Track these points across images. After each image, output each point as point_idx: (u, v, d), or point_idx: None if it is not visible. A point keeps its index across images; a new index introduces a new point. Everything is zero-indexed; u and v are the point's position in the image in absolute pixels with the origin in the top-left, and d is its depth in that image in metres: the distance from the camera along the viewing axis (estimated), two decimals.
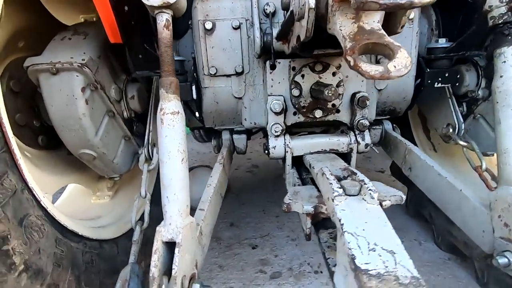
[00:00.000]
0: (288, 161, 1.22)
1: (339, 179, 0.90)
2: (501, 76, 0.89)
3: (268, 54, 1.20)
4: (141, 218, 1.22)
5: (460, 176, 1.88)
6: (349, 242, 0.68)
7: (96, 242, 1.29)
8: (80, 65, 1.18)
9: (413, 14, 1.26)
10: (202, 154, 4.54)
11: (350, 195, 0.83)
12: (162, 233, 0.80)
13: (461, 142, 1.42)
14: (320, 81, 1.18)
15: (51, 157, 1.60)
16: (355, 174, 0.90)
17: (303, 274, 1.89)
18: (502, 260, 0.85)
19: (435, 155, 2.05)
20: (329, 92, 0.99)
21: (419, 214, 2.20)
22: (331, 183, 0.84)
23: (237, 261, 2.05)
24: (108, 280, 1.29)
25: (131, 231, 1.62)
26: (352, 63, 0.65)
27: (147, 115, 1.56)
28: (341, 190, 0.81)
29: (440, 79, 1.35)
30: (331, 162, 1.09)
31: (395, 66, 0.62)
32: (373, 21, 0.71)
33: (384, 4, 0.52)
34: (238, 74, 1.31)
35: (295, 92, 1.20)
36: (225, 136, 1.48)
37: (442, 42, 1.35)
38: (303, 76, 1.19)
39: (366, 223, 0.74)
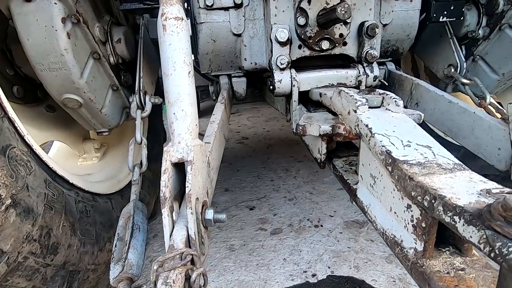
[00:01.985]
0: (295, 96, 1.15)
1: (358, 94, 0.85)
2: None
3: None
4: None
5: None
6: (381, 141, 0.63)
7: (89, 194, 1.19)
8: None
9: None
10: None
11: (373, 107, 0.77)
12: (171, 153, 0.72)
13: (464, 80, 1.41)
14: (327, 7, 1.09)
15: (29, 112, 1.45)
16: (374, 91, 0.85)
17: (303, 229, 1.88)
18: None
19: None
20: (343, 9, 0.91)
21: None
22: (352, 95, 0.78)
23: (236, 221, 2.00)
24: (105, 233, 1.20)
25: (124, 189, 1.53)
26: None
27: (134, 64, 1.43)
28: (364, 100, 0.75)
29: (445, 12, 1.31)
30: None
31: None
32: None
33: None
34: (237, 6, 1.20)
35: (301, 21, 1.11)
36: (224, 80, 1.39)
37: None
38: (309, 1, 1.10)
39: (395, 126, 0.69)
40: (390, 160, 0.58)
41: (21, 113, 1.38)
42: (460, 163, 0.55)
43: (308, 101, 1.20)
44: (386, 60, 1.48)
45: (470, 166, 0.53)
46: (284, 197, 2.29)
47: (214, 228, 1.94)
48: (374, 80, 1.18)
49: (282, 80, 1.13)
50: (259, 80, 1.50)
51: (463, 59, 1.46)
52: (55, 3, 1.05)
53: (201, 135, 0.83)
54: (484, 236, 0.38)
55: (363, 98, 0.76)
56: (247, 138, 3.88)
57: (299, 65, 1.18)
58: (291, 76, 1.13)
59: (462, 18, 1.44)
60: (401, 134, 0.65)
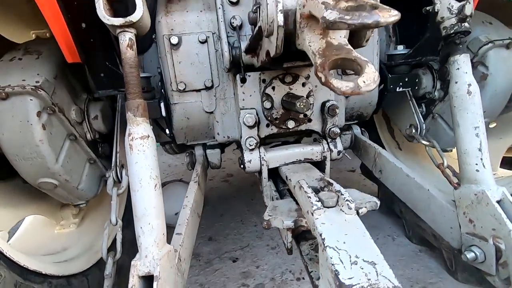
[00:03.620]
0: (265, 174, 1.22)
1: (316, 191, 0.91)
2: (456, 82, 0.96)
3: (237, 68, 1.19)
4: (112, 247, 1.14)
5: (424, 171, 2.00)
6: (331, 257, 0.68)
7: (63, 279, 1.18)
8: (34, 88, 1.08)
9: None
10: (174, 167, 4.41)
11: (328, 207, 0.83)
12: (138, 267, 0.75)
13: (424, 142, 1.51)
14: (290, 92, 1.19)
15: (4, 189, 1.45)
16: (331, 184, 0.91)
17: (285, 283, 1.89)
18: (470, 255, 0.91)
19: (400, 153, 2.16)
20: (301, 104, 1.00)
21: (391, 210, 2.31)
22: (309, 197, 0.84)
23: (219, 277, 2.00)
24: None
25: (102, 260, 1.52)
26: (323, 79, 0.65)
27: (112, 135, 1.47)
28: (319, 203, 0.81)
29: (401, 84, 1.43)
30: (307, 172, 1.10)
31: (364, 81, 0.64)
32: (340, 36, 0.73)
33: (352, 24, 0.53)
34: (208, 88, 1.28)
35: (267, 105, 1.20)
36: (198, 151, 1.44)
37: (401, 49, 1.44)
38: (273, 88, 1.19)
39: (346, 235, 0.75)
40: (338, 283, 0.63)
41: None
42: (399, 286, 0.61)
43: (278, 175, 1.27)
44: (352, 123, 1.58)
45: None
46: (267, 245, 2.31)
47: (197, 287, 1.92)
48: (338, 154, 1.27)
49: (252, 160, 1.20)
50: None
51: (422, 121, 1.57)
52: (31, 99, 1.10)
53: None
54: None
55: (319, 200, 0.82)
56: (232, 175, 3.91)
57: (267, 141, 1.26)
58: (260, 156, 1.20)
59: (418, 84, 1.57)
60: (350, 246, 0.71)
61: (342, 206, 0.82)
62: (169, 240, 0.93)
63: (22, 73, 1.12)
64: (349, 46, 0.69)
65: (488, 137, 0.99)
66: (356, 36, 0.77)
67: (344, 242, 0.72)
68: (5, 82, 1.08)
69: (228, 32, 1.22)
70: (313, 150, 1.25)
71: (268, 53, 0.86)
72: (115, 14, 0.84)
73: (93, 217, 1.79)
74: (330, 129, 1.24)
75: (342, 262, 0.67)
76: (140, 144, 0.78)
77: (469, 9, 0.91)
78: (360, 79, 0.63)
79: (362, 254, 0.69)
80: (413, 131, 1.59)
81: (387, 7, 0.55)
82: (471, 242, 0.92)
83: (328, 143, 1.25)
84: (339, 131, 1.25)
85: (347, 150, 1.65)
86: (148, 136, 0.80)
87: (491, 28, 1.45)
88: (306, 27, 0.72)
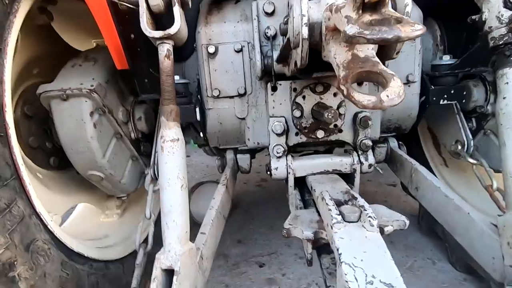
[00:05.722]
0: (291, 182, 1.22)
1: (339, 203, 0.89)
2: (504, 98, 0.87)
3: (269, 76, 1.21)
4: (146, 241, 1.23)
5: (472, 192, 1.81)
6: (346, 274, 0.67)
7: (102, 263, 1.31)
8: (89, 90, 1.23)
9: None
10: (212, 168, 4.57)
11: (349, 222, 0.81)
12: (161, 260, 0.81)
13: (471, 160, 1.38)
14: (321, 102, 1.18)
15: (61, 177, 1.65)
16: (356, 199, 0.89)
17: None
18: None
19: (446, 170, 1.99)
20: (329, 114, 0.99)
21: (432, 231, 2.13)
22: (330, 209, 0.83)
23: (244, 280, 2.02)
24: None
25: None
26: (345, 92, 0.65)
27: (153, 135, 1.60)
28: (339, 217, 0.80)
29: (445, 96, 1.33)
30: (333, 184, 1.07)
31: (387, 96, 0.62)
32: (367, 48, 0.72)
33: (372, 38, 0.52)
34: (240, 95, 1.33)
35: (297, 113, 1.20)
36: (229, 155, 1.49)
37: (446, 59, 1.34)
38: (304, 97, 1.19)
39: (364, 252, 0.72)
40: None
41: (55, 180, 1.58)
42: None
43: (305, 184, 1.26)
44: (389, 135, 1.51)
45: None
46: (295, 254, 2.27)
47: (222, 287, 1.97)
48: (369, 168, 1.22)
49: (278, 167, 1.21)
50: None
51: (470, 137, 1.44)
52: (86, 101, 1.25)
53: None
54: None
55: (339, 214, 0.80)
56: (266, 180, 3.93)
57: (298, 149, 1.26)
58: (287, 164, 1.21)
59: (466, 97, 1.45)
60: (368, 264, 0.68)
61: (364, 222, 0.79)
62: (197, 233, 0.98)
63: (80, 78, 1.28)
64: (376, 59, 0.68)
65: None
66: (386, 48, 0.75)
67: (361, 260, 0.70)
68: (66, 85, 1.25)
69: (262, 42, 1.25)
70: (342, 162, 1.22)
71: (295, 63, 0.87)
72: (158, 27, 0.93)
73: (133, 210, 1.94)
74: (361, 140, 1.20)
75: (356, 280, 0.65)
76: (170, 147, 0.85)
77: None
78: (384, 93, 0.62)
79: (379, 274, 0.66)
80: (459, 147, 1.46)
81: (412, 21, 0.53)
82: None
83: (359, 155, 1.22)
84: (371, 143, 1.20)
85: (382, 164, 1.57)
86: (178, 139, 0.86)
87: None
88: (332, 39, 0.72)
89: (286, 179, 1.23)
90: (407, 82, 1.33)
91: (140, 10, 0.88)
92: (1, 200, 0.83)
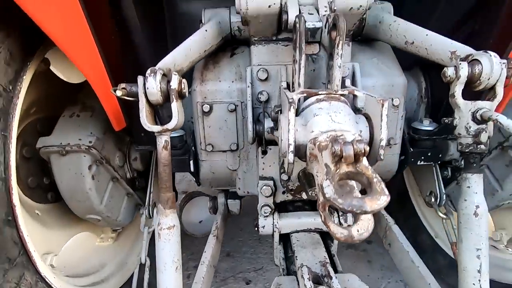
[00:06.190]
0: (276, 238, 1.33)
1: (316, 280, 1.01)
2: (465, 200, 0.97)
3: (260, 141, 1.29)
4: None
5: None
6: None
7: None
8: (87, 147, 1.29)
9: (398, 101, 1.33)
10: None
11: None
12: None
13: (440, 214, 1.51)
14: (307, 170, 1.27)
15: (58, 209, 1.73)
16: (331, 278, 1.01)
17: None
18: None
19: (428, 211, 2.00)
20: (313, 193, 1.09)
21: None
22: (305, 284, 0.94)
23: None
24: None
25: (131, 277, 1.76)
26: (322, 219, 0.74)
27: (148, 171, 1.67)
28: None
29: (423, 158, 1.44)
30: (313, 250, 1.19)
31: (358, 230, 0.72)
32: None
33: (343, 208, 0.61)
34: (233, 150, 1.41)
35: (284, 177, 1.29)
36: (221, 199, 1.59)
37: (426, 123, 1.43)
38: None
39: None
40: None
41: (53, 214, 1.65)
42: None
43: (289, 239, 1.37)
44: None
45: None
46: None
47: None
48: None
49: (265, 226, 1.32)
50: None
51: (443, 191, 1.56)
52: (84, 156, 1.31)
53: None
54: None
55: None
56: None
57: (283, 206, 1.36)
58: (273, 223, 1.31)
59: (443, 153, 1.55)
60: None
61: None
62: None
63: (78, 132, 1.33)
64: (353, 183, 0.77)
65: None
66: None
67: None
68: (66, 140, 1.30)
69: (255, 104, 1.31)
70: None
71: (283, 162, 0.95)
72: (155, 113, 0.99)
73: (127, 233, 2.04)
74: None
75: None
76: (167, 234, 0.94)
77: (485, 137, 0.91)
78: (355, 227, 0.72)
79: None
80: (432, 199, 1.59)
81: (380, 189, 0.62)
82: None
83: (339, 216, 1.33)
84: None
85: None
86: (174, 226, 0.95)
87: None
88: (315, 161, 0.81)
89: (272, 235, 1.34)
90: (389, 144, 1.42)
91: (140, 105, 0.94)
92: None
